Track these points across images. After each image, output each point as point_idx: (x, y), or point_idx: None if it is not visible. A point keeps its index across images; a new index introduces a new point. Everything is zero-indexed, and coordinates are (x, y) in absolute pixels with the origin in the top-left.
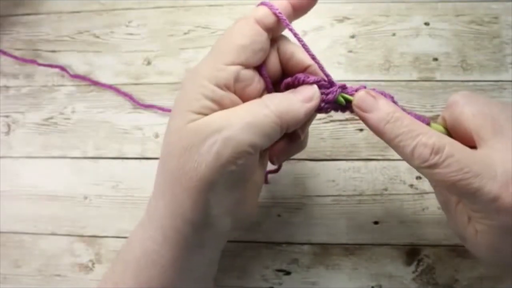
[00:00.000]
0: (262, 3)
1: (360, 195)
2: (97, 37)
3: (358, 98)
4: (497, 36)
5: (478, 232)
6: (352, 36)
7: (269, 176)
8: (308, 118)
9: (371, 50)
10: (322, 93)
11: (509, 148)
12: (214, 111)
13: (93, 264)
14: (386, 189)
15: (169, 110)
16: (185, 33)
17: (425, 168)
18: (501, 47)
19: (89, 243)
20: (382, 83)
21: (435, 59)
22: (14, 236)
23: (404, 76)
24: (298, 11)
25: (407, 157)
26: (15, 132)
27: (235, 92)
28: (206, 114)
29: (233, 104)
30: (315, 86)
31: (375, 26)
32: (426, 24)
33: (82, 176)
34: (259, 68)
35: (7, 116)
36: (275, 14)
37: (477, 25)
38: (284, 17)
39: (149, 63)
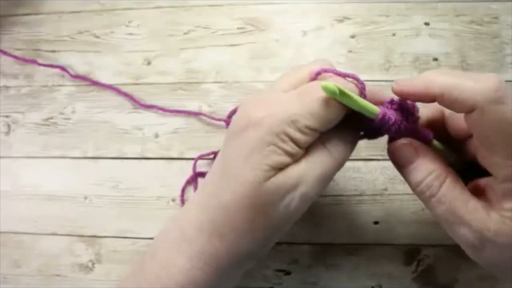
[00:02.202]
0: (355, 77)
1: (360, 195)
2: (97, 37)
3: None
4: (497, 36)
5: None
6: (352, 36)
7: None
8: None
9: (371, 50)
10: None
11: None
12: (288, 164)
13: (93, 264)
14: (386, 189)
15: (169, 111)
16: (185, 33)
17: (496, 101)
18: (501, 47)
19: (89, 243)
20: (382, 83)
21: (435, 59)
22: (14, 236)
23: (404, 76)
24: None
25: (473, 90)
26: (15, 132)
27: None
28: (281, 168)
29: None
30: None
31: (375, 26)
32: (426, 24)
33: (82, 176)
34: None
35: (7, 116)
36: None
37: (477, 25)
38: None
39: (149, 63)
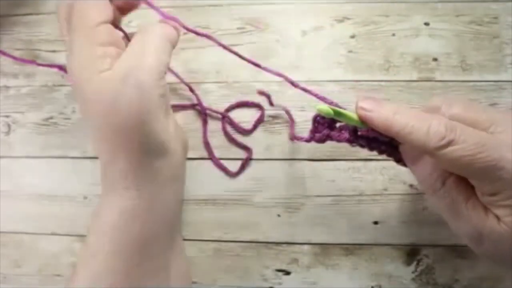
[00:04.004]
0: (177, 21)
1: (360, 195)
2: None
3: (361, 100)
4: (497, 36)
5: (501, 219)
6: (352, 36)
7: (269, 177)
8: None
9: (371, 50)
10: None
11: None
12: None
13: None
14: (386, 189)
15: None
16: (185, 33)
17: (442, 147)
18: (501, 47)
19: None
20: (382, 83)
21: (435, 59)
22: (14, 236)
23: (404, 76)
24: None
25: (422, 139)
26: (15, 132)
27: None
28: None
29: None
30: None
31: (375, 26)
32: (426, 24)
33: (82, 176)
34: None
35: (7, 116)
36: None
37: (477, 25)
38: None
39: None
